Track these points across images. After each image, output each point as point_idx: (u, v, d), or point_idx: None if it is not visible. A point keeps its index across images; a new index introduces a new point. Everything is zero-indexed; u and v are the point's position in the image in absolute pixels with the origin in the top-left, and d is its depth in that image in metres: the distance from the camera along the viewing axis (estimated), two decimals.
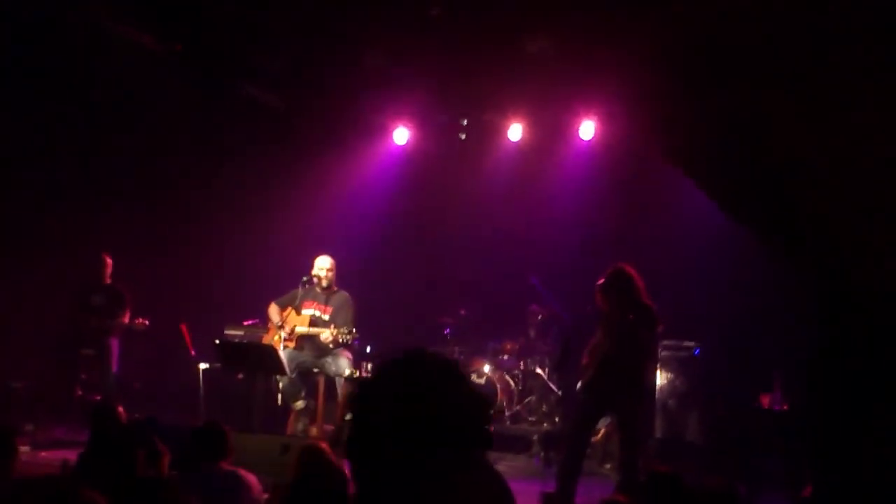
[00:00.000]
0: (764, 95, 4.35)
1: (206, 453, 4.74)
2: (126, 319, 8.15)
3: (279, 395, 7.44)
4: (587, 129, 9.29)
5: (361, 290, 7.98)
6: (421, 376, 1.62)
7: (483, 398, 1.66)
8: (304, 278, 7.57)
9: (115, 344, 8.17)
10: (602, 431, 8.06)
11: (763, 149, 4.54)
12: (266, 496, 4.81)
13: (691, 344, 8.32)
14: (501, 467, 6.31)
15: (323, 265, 7.64)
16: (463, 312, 9.26)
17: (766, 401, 7.27)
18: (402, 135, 9.87)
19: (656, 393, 8.20)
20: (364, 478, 1.57)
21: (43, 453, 6.74)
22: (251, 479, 4.68)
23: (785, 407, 7.03)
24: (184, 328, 8.19)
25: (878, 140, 4.17)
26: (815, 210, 4.94)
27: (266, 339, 7.58)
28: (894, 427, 5.00)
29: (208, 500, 4.47)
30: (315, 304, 7.60)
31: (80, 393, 8.00)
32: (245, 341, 7.68)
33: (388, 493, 1.53)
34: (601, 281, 6.48)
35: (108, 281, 8.33)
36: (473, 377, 8.75)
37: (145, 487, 3.85)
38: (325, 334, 7.26)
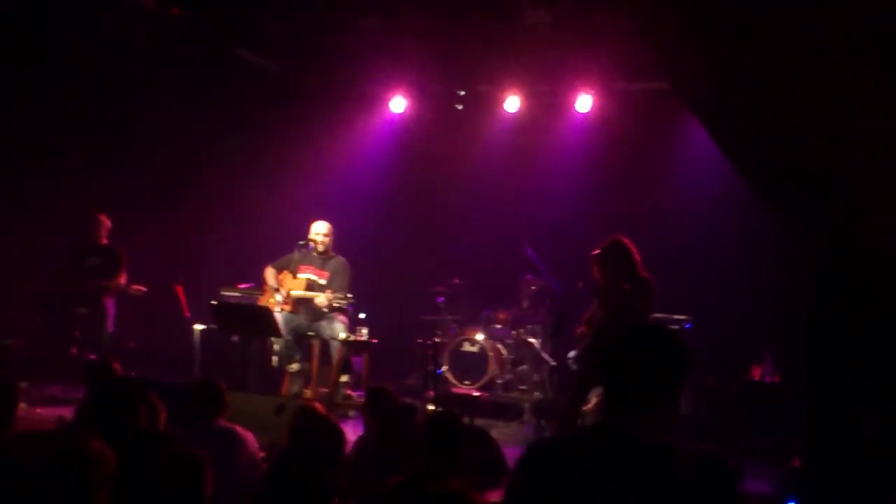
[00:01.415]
0: (782, 54, 4.37)
1: (202, 409, 4.79)
2: (122, 280, 8.17)
3: (274, 358, 7.49)
4: (584, 102, 9.35)
5: (357, 257, 8.03)
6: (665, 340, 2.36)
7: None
8: (301, 242, 7.60)
9: (110, 304, 8.19)
10: (594, 401, 8.15)
11: (778, 109, 4.57)
12: (262, 454, 4.87)
13: (683, 318, 8.39)
14: (493, 434, 6.37)
15: (319, 230, 7.67)
16: (457, 281, 9.31)
17: (757, 373, 7.35)
18: (398, 104, 9.88)
19: None
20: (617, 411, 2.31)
21: (38, 409, 6.77)
22: (248, 436, 4.73)
23: (776, 379, 7.12)
24: (179, 290, 8.22)
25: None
26: (823, 175, 4.99)
27: (261, 302, 7.62)
28: (885, 400, 5.09)
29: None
30: (312, 268, 7.64)
31: (74, 351, 8.01)
32: (241, 303, 7.71)
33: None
34: (597, 252, 6.54)
35: (105, 241, 8.34)
36: (466, 345, 8.82)
37: (146, 441, 3.89)
38: (321, 298, 7.31)
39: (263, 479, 4.22)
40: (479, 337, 8.84)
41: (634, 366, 2.31)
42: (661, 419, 2.28)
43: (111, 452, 3.30)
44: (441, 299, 9.27)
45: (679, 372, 2.33)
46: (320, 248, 7.64)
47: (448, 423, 4.79)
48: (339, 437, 4.51)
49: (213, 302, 7.29)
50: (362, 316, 7.59)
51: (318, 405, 5.27)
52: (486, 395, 8.48)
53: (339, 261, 7.69)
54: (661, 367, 2.31)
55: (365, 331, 7.38)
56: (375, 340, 7.49)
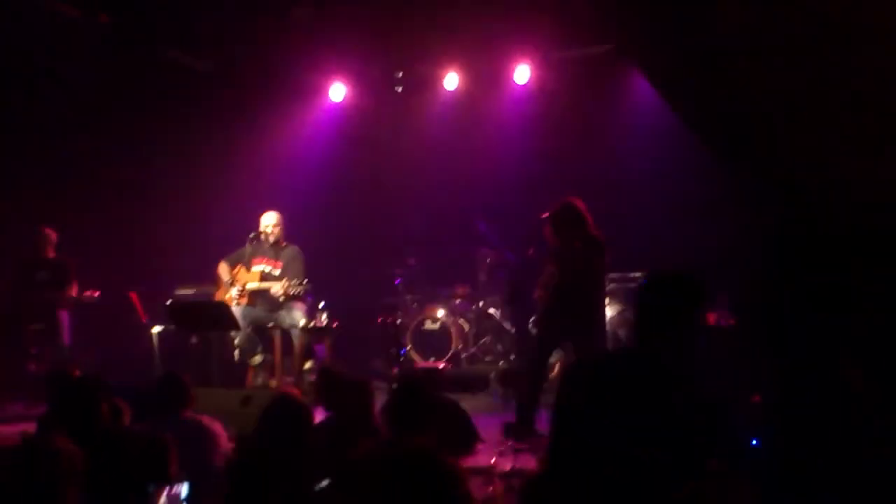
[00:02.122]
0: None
1: (168, 403, 4.77)
2: (74, 292, 8.07)
3: (235, 352, 7.45)
4: (522, 73, 9.41)
5: (310, 246, 7.99)
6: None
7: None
8: (252, 235, 7.57)
9: (64, 316, 8.08)
10: (557, 366, 8.25)
11: (725, 59, 4.66)
12: (231, 445, 4.85)
13: (638, 275, 8.52)
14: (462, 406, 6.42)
15: (269, 221, 7.66)
16: (412, 261, 9.34)
17: (712, 318, 7.48)
18: (338, 91, 9.86)
19: (607, 324, 8.39)
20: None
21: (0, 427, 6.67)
22: (216, 426, 4.72)
23: (731, 322, 7.25)
24: (134, 296, 8.14)
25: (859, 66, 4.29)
26: (772, 121, 5.08)
27: (218, 298, 7.58)
28: (839, 335, 5.22)
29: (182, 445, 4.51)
30: (265, 259, 7.61)
31: (33, 367, 7.89)
32: (196, 300, 7.65)
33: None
34: (548, 214, 6.61)
35: (52, 254, 8.22)
36: (427, 324, 8.86)
37: (111, 439, 3.85)
38: (276, 287, 7.29)
39: (231, 464, 4.23)
40: (440, 314, 8.89)
41: (657, 302, 2.98)
42: (678, 344, 2.89)
43: (78, 448, 3.28)
44: (399, 280, 9.30)
45: (690, 305, 3.01)
46: (272, 238, 7.62)
47: (412, 391, 4.83)
48: (307, 419, 4.53)
49: (168, 302, 7.23)
50: (322, 304, 7.58)
51: (294, 390, 5.30)
52: (450, 365, 8.53)
53: (291, 249, 7.68)
54: (676, 301, 2.99)
55: (325, 316, 7.37)
56: (336, 325, 7.50)
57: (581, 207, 6.52)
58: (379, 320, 7.94)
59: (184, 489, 3.23)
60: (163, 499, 3.17)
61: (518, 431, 6.29)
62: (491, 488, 4.31)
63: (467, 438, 5.87)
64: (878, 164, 4.53)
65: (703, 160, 8.49)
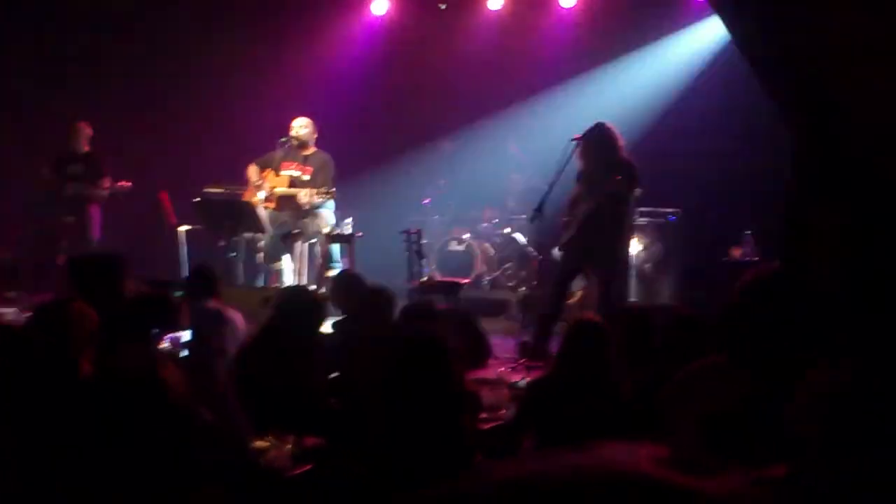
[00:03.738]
0: None
1: (193, 290, 4.87)
2: (106, 185, 8.15)
3: (259, 255, 7.52)
4: None
5: (342, 158, 7.98)
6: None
7: None
8: (283, 139, 7.56)
9: (95, 211, 8.20)
10: (579, 293, 8.24)
11: None
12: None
13: (667, 210, 8.44)
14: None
15: (300, 124, 7.63)
16: (442, 181, 9.31)
17: (737, 253, 7.43)
18: (380, 5, 9.74)
19: (633, 259, 8.35)
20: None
21: (27, 314, 6.79)
22: (236, 315, 4.80)
23: (756, 258, 7.19)
24: (164, 197, 8.19)
25: None
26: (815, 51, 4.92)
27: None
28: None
29: (198, 334, 4.60)
30: (295, 164, 7.61)
31: (62, 260, 8.02)
32: (224, 199, 7.69)
33: None
34: (581, 136, 6.53)
35: (87, 149, 8.30)
36: (452, 245, 8.87)
37: (135, 304, 3.93)
38: (303, 194, 7.31)
39: (244, 348, 4.31)
40: (466, 236, 8.89)
41: None
42: None
43: (95, 314, 3.37)
44: (427, 201, 9.28)
45: None
46: (303, 140, 7.59)
47: (420, 307, 4.87)
48: (320, 311, 4.59)
49: (197, 198, 7.28)
50: (349, 220, 7.60)
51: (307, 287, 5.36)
52: (469, 281, 8.54)
53: (322, 156, 7.66)
54: None
55: (349, 223, 7.40)
56: (360, 234, 7.53)
57: (614, 130, 6.43)
58: (406, 232, 7.89)
59: (186, 334, 3.33)
60: (166, 342, 3.27)
61: (533, 351, 6.33)
62: (497, 392, 4.35)
63: (480, 352, 5.92)
64: None
65: (746, 97, 8.35)
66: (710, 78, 8.64)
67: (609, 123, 6.47)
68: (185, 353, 4.03)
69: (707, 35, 8.79)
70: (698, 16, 8.92)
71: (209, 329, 4.64)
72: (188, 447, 2.21)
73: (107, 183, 8.15)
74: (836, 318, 2.22)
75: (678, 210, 8.34)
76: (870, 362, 1.66)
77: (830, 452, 1.55)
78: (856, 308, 2.16)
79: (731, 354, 2.52)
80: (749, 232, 7.58)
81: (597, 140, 6.43)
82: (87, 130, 8.30)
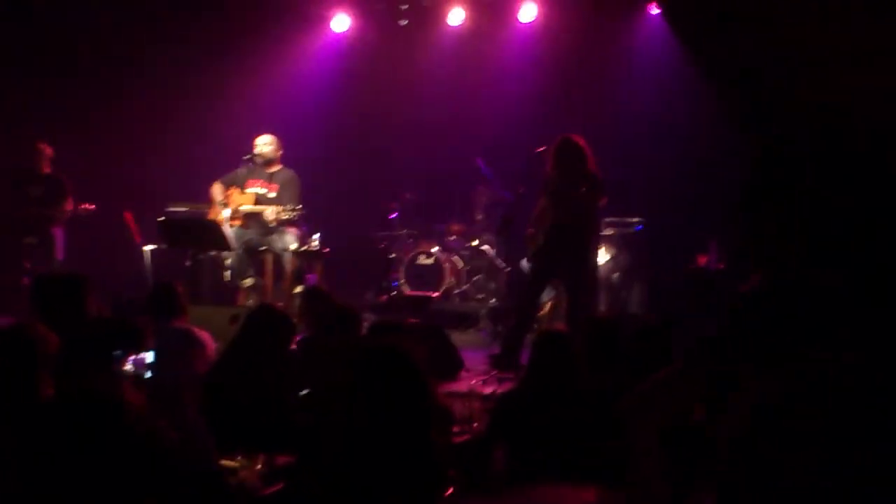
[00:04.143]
0: None
1: (158, 310, 4.81)
2: (69, 207, 8.06)
3: (226, 273, 7.47)
4: (528, 11, 9.31)
5: (306, 174, 7.96)
6: None
7: None
8: (247, 156, 7.54)
9: (58, 232, 8.08)
10: (549, 305, 8.27)
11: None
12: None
13: (634, 220, 8.51)
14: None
15: (263, 141, 7.62)
16: (409, 196, 9.32)
17: (702, 261, 7.51)
18: (341, 22, 9.76)
19: (600, 269, 8.40)
20: None
21: None
22: (204, 335, 4.75)
23: (721, 266, 7.27)
24: (128, 216, 8.12)
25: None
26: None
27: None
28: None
29: (161, 354, 4.55)
30: (260, 182, 7.59)
31: (25, 282, 7.90)
32: (188, 217, 7.63)
33: None
34: (547, 149, 6.58)
35: (47, 170, 8.20)
36: (421, 258, 8.87)
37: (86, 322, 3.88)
38: (270, 211, 7.28)
39: (212, 366, 4.27)
40: (434, 249, 8.89)
41: None
42: None
43: (53, 334, 3.32)
44: (394, 215, 9.28)
45: None
46: (267, 158, 7.57)
47: (389, 322, 4.86)
48: (289, 328, 4.55)
49: (161, 218, 7.21)
50: (317, 236, 7.58)
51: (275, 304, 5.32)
52: (439, 294, 8.54)
53: (287, 173, 7.64)
54: None
55: (316, 240, 7.38)
56: (327, 250, 7.51)
57: (581, 143, 6.48)
58: (380, 245, 7.86)
59: (148, 356, 3.29)
60: (129, 364, 3.23)
61: (503, 362, 6.34)
62: (469, 405, 4.35)
63: (451, 365, 5.92)
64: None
65: (705, 104, 8.47)
66: (672, 88, 8.75)
67: (575, 135, 6.53)
68: (148, 374, 3.99)
69: (667, 47, 8.92)
70: (658, 28, 9.05)
71: (175, 349, 4.60)
72: (151, 470, 2.18)
73: (69, 204, 8.06)
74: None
75: (644, 220, 8.42)
76: (799, 374, 1.69)
77: (756, 461, 1.57)
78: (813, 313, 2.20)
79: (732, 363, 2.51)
80: (714, 240, 7.67)
81: (562, 152, 6.49)
82: (47, 151, 8.20)
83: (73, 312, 3.96)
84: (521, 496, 1.16)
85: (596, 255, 7.13)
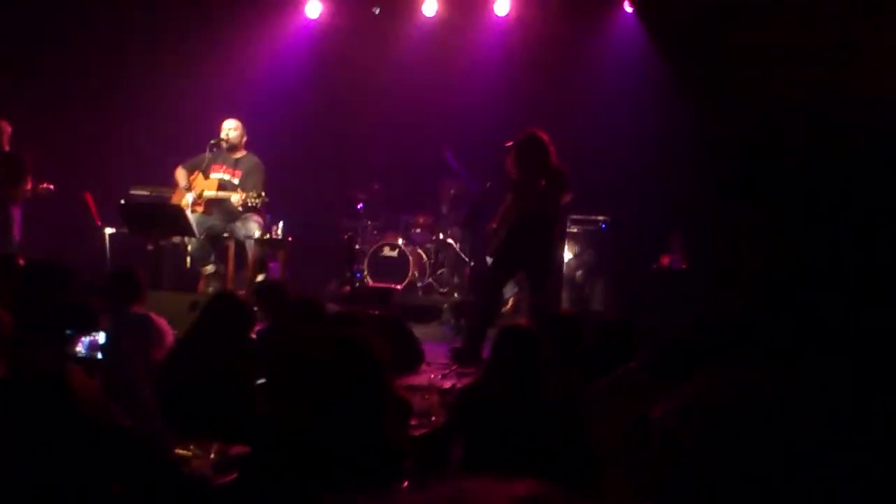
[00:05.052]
0: None
1: (117, 296, 4.73)
2: (27, 186, 7.90)
3: (188, 259, 7.37)
4: (502, 4, 9.28)
5: (272, 161, 7.88)
6: None
7: None
8: (212, 141, 7.43)
9: (16, 212, 7.91)
10: (511, 301, 8.28)
11: None
12: None
13: (599, 218, 8.53)
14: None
15: (230, 126, 7.51)
16: (376, 187, 9.26)
17: (665, 260, 7.55)
18: (313, 8, 9.65)
19: (564, 267, 8.42)
20: None
21: None
22: (161, 322, 4.68)
23: (683, 266, 7.31)
24: (88, 197, 7.98)
25: None
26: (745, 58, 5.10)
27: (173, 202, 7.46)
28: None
29: (117, 339, 4.47)
30: (224, 167, 7.49)
31: None
32: (151, 202, 7.51)
33: None
34: (511, 144, 6.56)
35: (6, 148, 8.03)
36: (386, 250, 8.82)
37: (48, 306, 3.80)
38: (234, 197, 7.19)
39: (169, 353, 4.21)
40: (399, 242, 8.85)
41: None
42: None
43: (7, 315, 3.26)
44: (361, 205, 9.22)
45: None
46: (232, 142, 7.47)
47: (348, 313, 4.82)
48: (248, 316, 4.50)
49: (122, 201, 7.09)
50: (281, 225, 7.50)
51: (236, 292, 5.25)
52: (402, 286, 8.51)
53: (251, 159, 7.55)
54: None
55: (280, 228, 7.30)
56: (290, 238, 7.43)
57: (545, 138, 6.47)
58: (345, 236, 7.78)
59: (101, 337, 3.23)
60: (80, 344, 3.17)
61: (464, 357, 6.32)
62: (428, 398, 4.32)
63: (411, 357, 5.88)
64: None
65: (675, 103, 8.51)
66: (643, 87, 8.77)
67: (541, 131, 6.52)
68: (100, 356, 3.91)
69: (637, 44, 8.94)
70: (630, 24, 9.07)
71: (131, 334, 4.52)
72: (103, 451, 2.13)
73: (28, 184, 7.89)
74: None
75: (609, 218, 8.45)
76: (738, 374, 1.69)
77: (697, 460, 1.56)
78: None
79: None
80: (678, 240, 7.72)
81: (528, 147, 6.47)
82: (6, 129, 8.02)
83: (32, 297, 3.88)
84: (451, 488, 1.13)
85: (559, 250, 7.14)
